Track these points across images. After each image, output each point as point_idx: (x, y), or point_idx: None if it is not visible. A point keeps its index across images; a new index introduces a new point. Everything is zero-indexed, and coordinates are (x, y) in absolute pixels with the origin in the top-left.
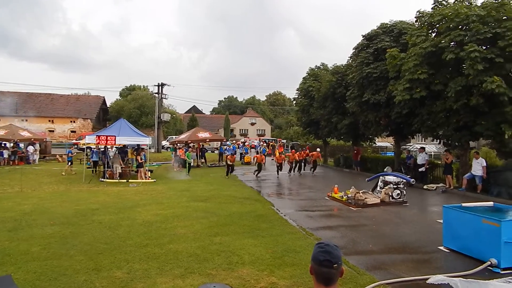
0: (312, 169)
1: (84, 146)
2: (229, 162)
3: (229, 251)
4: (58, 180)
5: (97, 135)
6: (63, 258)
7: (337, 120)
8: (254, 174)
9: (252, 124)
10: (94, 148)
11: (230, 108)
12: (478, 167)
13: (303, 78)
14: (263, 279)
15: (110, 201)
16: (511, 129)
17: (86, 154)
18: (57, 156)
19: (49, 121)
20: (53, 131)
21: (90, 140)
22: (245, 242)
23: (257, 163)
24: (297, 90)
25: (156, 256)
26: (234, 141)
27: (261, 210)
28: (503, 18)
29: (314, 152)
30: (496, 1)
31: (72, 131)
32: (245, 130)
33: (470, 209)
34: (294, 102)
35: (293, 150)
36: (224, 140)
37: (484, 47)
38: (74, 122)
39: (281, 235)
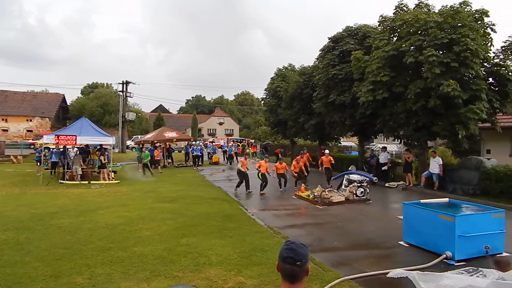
0: (329, 180)
1: (42, 146)
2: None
3: (196, 252)
4: (13, 183)
5: (56, 135)
6: (18, 266)
7: (304, 120)
8: (247, 190)
9: (220, 123)
10: (53, 149)
11: (198, 107)
12: (435, 165)
13: (271, 78)
14: (230, 279)
15: (70, 204)
16: (465, 129)
17: (44, 155)
18: (11, 157)
19: (3, 119)
20: (7, 130)
21: (48, 140)
22: (213, 242)
23: (261, 174)
24: (265, 90)
25: (120, 260)
26: (210, 141)
27: (229, 210)
28: (458, 24)
29: (323, 157)
30: (452, 9)
31: (28, 131)
32: (213, 129)
33: (428, 205)
34: (262, 102)
35: (304, 154)
36: (192, 140)
37: (441, 52)
38: (30, 121)
39: (248, 235)
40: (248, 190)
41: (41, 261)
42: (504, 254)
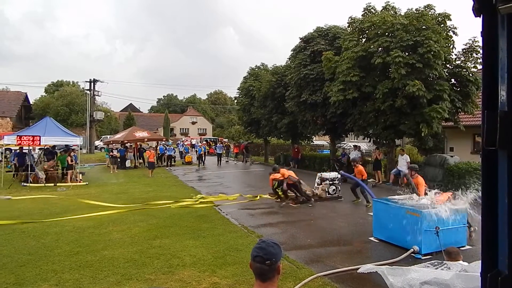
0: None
1: (2, 148)
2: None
3: (169, 254)
4: None
5: (18, 135)
6: None
7: (277, 119)
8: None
9: (193, 123)
10: (15, 150)
11: (170, 106)
12: (403, 162)
13: (244, 77)
14: (204, 280)
15: (35, 207)
16: (428, 128)
17: (5, 157)
18: None
19: None
20: None
21: (9, 140)
22: (186, 243)
23: (278, 183)
24: (238, 89)
25: (89, 264)
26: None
27: (202, 210)
28: (423, 27)
29: (358, 166)
30: (417, 12)
31: None
32: (186, 129)
33: (395, 202)
34: (235, 101)
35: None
36: (164, 140)
37: (407, 53)
38: None
39: (222, 235)
40: None
41: (2, 269)
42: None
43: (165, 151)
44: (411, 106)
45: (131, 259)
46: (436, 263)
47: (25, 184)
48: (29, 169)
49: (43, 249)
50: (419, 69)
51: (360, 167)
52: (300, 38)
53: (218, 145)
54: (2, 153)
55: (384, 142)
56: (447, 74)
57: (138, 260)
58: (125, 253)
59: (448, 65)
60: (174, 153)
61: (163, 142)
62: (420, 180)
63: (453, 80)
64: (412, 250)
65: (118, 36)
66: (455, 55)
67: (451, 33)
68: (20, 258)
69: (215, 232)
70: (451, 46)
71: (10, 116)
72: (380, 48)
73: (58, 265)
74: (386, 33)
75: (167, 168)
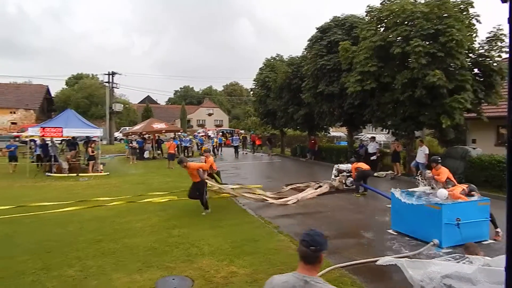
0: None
1: (27, 139)
2: None
3: (188, 243)
4: None
5: (41, 127)
6: (5, 259)
7: (293, 111)
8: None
9: (210, 114)
10: (38, 141)
11: (187, 98)
12: (421, 154)
13: (260, 68)
14: (223, 269)
15: (59, 197)
16: (450, 119)
17: (30, 148)
18: None
19: None
20: None
21: (33, 132)
22: (204, 233)
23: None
24: (254, 80)
25: (111, 252)
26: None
27: (219, 200)
28: (444, 15)
29: (438, 172)
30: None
31: (12, 123)
32: (202, 120)
33: (415, 194)
34: (251, 92)
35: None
36: (181, 131)
37: (427, 42)
38: (14, 113)
39: (240, 225)
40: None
41: (30, 255)
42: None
43: (181, 143)
44: (432, 96)
45: (151, 248)
46: (457, 256)
47: (49, 174)
48: (52, 159)
49: (68, 236)
50: (440, 58)
51: None
52: (317, 28)
53: (234, 137)
54: (26, 143)
55: (403, 133)
56: (469, 63)
57: (158, 249)
58: (145, 242)
59: (470, 54)
60: (190, 144)
61: (179, 133)
62: (444, 169)
63: (476, 69)
64: (432, 243)
65: (135, 29)
66: (478, 43)
67: (474, 21)
68: (47, 245)
69: (232, 222)
70: (474, 34)
71: (34, 109)
72: (399, 37)
73: (82, 252)
74: (406, 22)
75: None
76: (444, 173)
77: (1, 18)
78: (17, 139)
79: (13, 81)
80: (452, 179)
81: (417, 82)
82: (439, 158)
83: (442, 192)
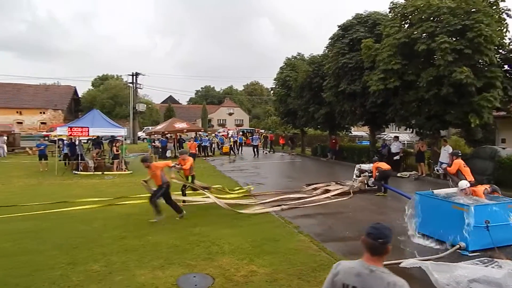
0: None
1: (55, 138)
2: None
3: (209, 241)
4: (28, 174)
5: (69, 127)
6: (36, 254)
7: (314, 110)
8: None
9: (230, 114)
10: (66, 140)
11: (208, 98)
12: (445, 154)
13: (280, 67)
14: (243, 268)
15: (85, 194)
16: (478, 118)
17: (58, 146)
18: (27, 149)
19: (17, 112)
20: (21, 122)
21: (62, 131)
22: (224, 232)
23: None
24: (274, 80)
25: (135, 248)
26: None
27: (239, 199)
28: (472, 10)
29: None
30: None
31: (42, 123)
32: (223, 120)
33: (441, 196)
34: (272, 92)
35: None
36: (202, 130)
37: (454, 39)
38: (43, 113)
39: (260, 224)
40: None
41: (58, 250)
42: None
43: (201, 142)
44: (458, 94)
45: (173, 245)
46: (485, 260)
47: (76, 172)
48: (79, 158)
49: (93, 233)
50: (468, 55)
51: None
52: (338, 26)
53: (254, 136)
54: (55, 142)
55: (428, 133)
56: (499, 60)
57: (179, 246)
58: (167, 239)
59: (500, 50)
60: (209, 143)
61: (200, 133)
62: (456, 162)
63: (506, 66)
64: (458, 246)
65: (158, 30)
66: (509, 39)
67: (504, 16)
68: (74, 241)
69: (252, 222)
70: (505, 29)
71: (62, 109)
72: (424, 34)
73: (106, 248)
74: (431, 18)
75: (204, 159)
76: (455, 165)
77: (33, 23)
78: (46, 138)
79: (43, 82)
80: (469, 174)
81: (443, 80)
82: (459, 152)
83: (463, 183)
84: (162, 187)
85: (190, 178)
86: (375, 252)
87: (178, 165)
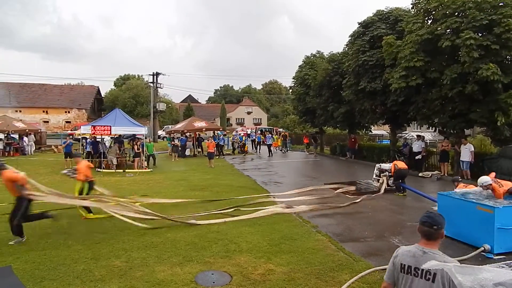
0: None
1: (79, 137)
2: None
3: (227, 239)
4: (54, 171)
5: (92, 125)
6: (61, 248)
7: (333, 109)
8: None
9: (249, 113)
10: (89, 139)
11: (226, 97)
12: (466, 152)
13: (299, 66)
14: (260, 266)
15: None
16: (505, 116)
17: (82, 145)
18: (53, 147)
19: (43, 111)
20: (47, 121)
21: (85, 130)
22: (242, 230)
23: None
24: (293, 78)
25: (154, 245)
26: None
27: (258, 198)
28: (499, 4)
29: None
30: None
31: (67, 122)
32: (241, 119)
33: (464, 196)
34: (290, 90)
35: None
36: (220, 129)
37: (480, 34)
38: (68, 112)
39: (278, 223)
40: None
41: (82, 245)
42: None
43: (219, 141)
44: (484, 92)
45: (192, 242)
46: None
47: (98, 170)
48: (102, 156)
49: (114, 229)
50: (495, 51)
51: None
52: (359, 23)
53: (268, 135)
54: (79, 141)
55: (452, 131)
56: None
57: (198, 244)
58: (186, 237)
59: None
60: (224, 142)
61: (218, 132)
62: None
63: None
64: (482, 248)
65: (177, 31)
66: None
67: None
68: (96, 236)
69: (270, 221)
70: None
71: (85, 108)
72: (449, 30)
73: (127, 244)
74: (456, 13)
75: (222, 157)
76: (504, 187)
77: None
78: (71, 136)
79: (68, 82)
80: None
81: (468, 77)
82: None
83: (484, 178)
84: (22, 200)
85: (86, 185)
86: (431, 238)
87: (72, 170)
